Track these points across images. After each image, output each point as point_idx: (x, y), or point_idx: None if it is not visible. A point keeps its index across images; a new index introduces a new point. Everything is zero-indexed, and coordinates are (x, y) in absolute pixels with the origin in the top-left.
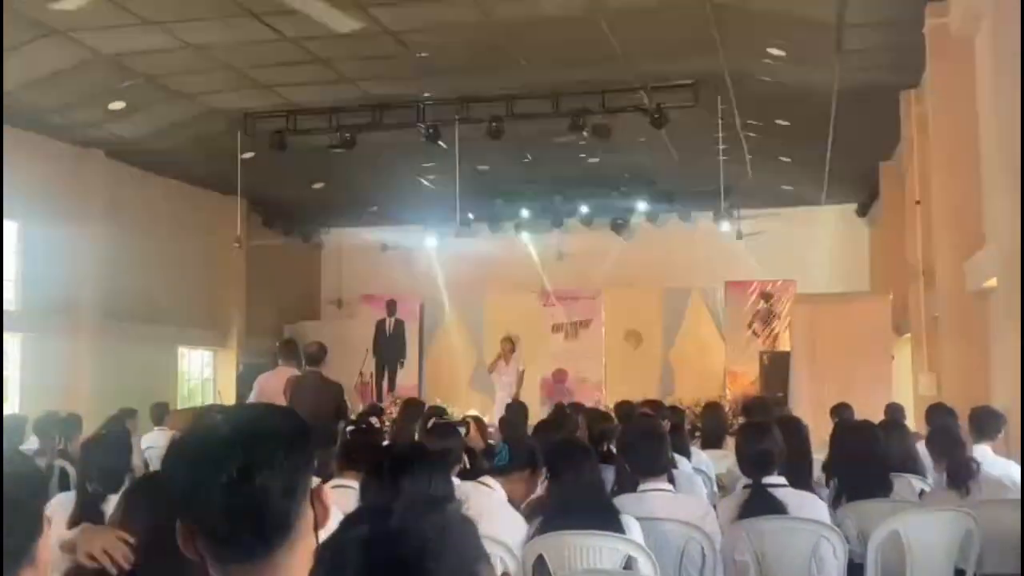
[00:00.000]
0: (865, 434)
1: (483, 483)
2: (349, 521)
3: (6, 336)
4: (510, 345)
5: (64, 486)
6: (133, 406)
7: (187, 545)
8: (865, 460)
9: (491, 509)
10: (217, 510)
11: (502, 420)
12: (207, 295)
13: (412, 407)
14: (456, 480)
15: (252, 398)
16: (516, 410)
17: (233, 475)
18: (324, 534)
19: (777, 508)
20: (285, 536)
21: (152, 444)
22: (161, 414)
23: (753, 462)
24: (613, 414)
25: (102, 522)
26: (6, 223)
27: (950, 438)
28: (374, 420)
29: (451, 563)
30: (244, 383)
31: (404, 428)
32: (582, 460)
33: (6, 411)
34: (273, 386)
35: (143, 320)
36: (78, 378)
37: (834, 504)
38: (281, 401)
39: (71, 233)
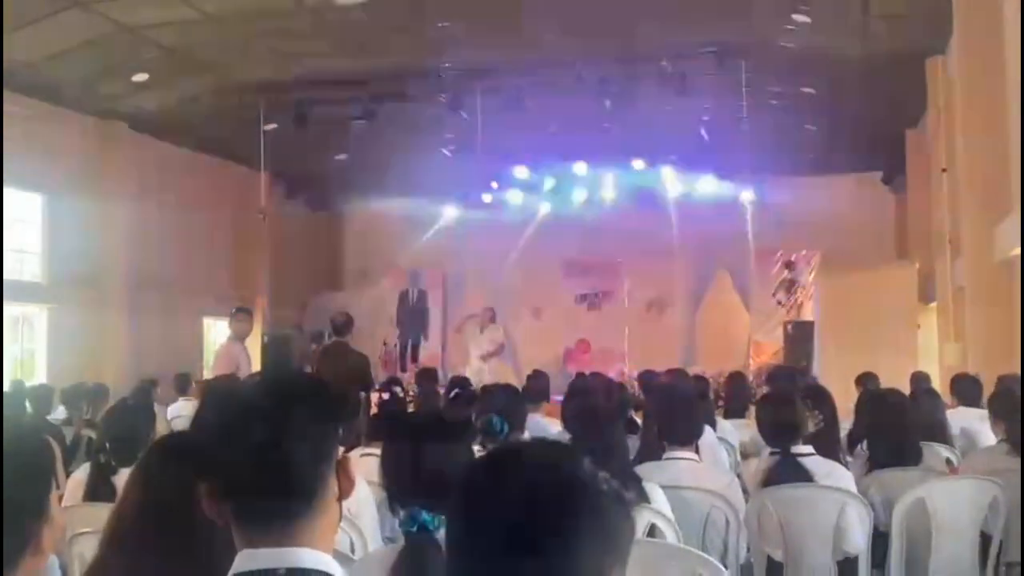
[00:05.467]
0: (894, 402)
1: None
2: (511, 453)
3: (33, 308)
4: (490, 314)
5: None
6: (159, 377)
7: (210, 506)
8: (894, 429)
9: None
10: (242, 474)
11: (525, 388)
12: (232, 267)
13: (427, 377)
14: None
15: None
16: (538, 379)
17: (260, 440)
18: (348, 506)
19: (804, 476)
20: (308, 504)
21: (177, 414)
22: (185, 384)
23: (776, 433)
24: (636, 384)
25: (114, 495)
26: (31, 196)
27: (1012, 402)
28: (397, 390)
29: (598, 539)
30: (269, 354)
31: (426, 398)
32: (607, 427)
33: (34, 382)
34: (224, 361)
35: (168, 291)
36: (104, 349)
37: (867, 472)
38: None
39: (96, 205)
